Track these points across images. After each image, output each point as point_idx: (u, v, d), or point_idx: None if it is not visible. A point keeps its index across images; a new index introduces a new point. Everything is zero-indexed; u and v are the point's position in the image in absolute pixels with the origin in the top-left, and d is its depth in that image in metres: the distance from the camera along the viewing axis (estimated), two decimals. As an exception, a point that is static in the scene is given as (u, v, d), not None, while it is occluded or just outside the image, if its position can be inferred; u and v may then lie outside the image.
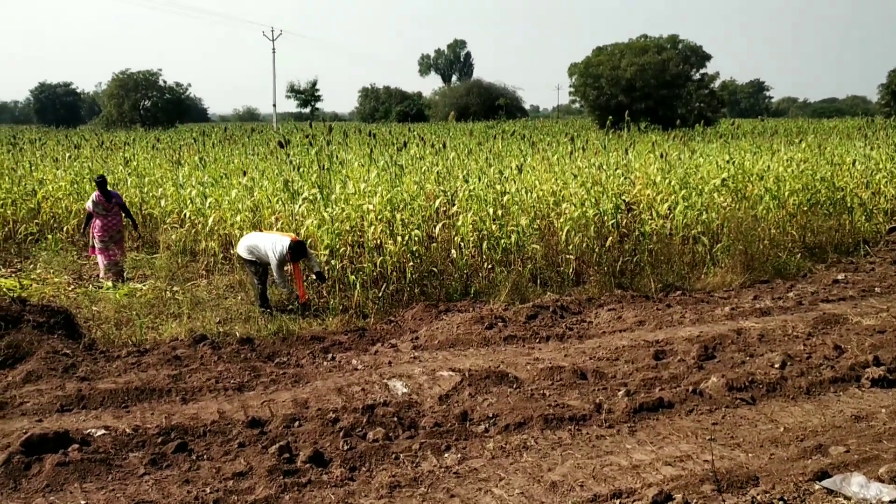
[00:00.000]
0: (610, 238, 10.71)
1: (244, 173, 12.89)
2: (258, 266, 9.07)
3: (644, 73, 46.74)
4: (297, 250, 8.89)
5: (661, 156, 13.64)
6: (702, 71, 50.48)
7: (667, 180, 12.28)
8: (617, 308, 8.87)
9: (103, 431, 5.17)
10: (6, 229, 13.66)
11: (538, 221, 10.98)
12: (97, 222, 10.91)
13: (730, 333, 7.61)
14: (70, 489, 4.39)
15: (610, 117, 20.89)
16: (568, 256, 10.57)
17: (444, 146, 17.58)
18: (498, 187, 11.19)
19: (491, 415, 5.53)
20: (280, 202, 11.30)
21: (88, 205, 10.99)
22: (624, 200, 11.32)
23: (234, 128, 47.78)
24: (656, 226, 11.06)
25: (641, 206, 11.70)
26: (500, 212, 10.60)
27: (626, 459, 4.83)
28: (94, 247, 11.12)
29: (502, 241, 10.17)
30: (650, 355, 6.92)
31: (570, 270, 10.51)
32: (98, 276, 10.99)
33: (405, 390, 6.13)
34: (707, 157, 15.21)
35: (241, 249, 9.09)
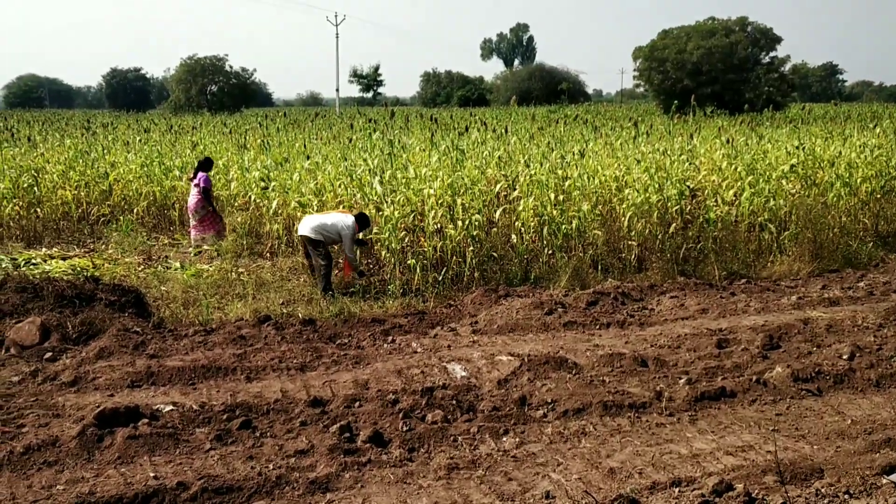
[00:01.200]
0: (673, 224, 10.55)
1: (307, 157, 13.06)
2: (324, 247, 9.22)
3: (711, 57, 45.65)
4: (364, 222, 9.29)
5: (728, 141, 13.36)
6: (772, 54, 49.01)
7: (733, 166, 12.03)
8: (679, 295, 8.75)
9: (171, 407, 5.33)
10: (80, 211, 14.12)
11: (600, 207, 10.88)
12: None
13: (796, 323, 7.44)
14: (140, 461, 4.54)
15: (675, 102, 20.57)
16: (630, 243, 10.46)
17: (506, 131, 17.52)
18: (560, 172, 11.12)
19: (549, 400, 5.53)
20: (343, 186, 11.43)
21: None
22: (688, 186, 11.13)
23: (298, 112, 48.44)
24: (721, 212, 10.85)
25: (706, 192, 11.49)
26: (561, 197, 10.53)
27: (686, 448, 4.78)
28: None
29: (563, 226, 10.11)
30: (713, 344, 6.82)
31: (632, 257, 10.41)
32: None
33: (464, 374, 6.17)
34: (775, 142, 14.84)
35: (307, 230, 9.21)
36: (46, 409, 5.37)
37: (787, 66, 50.10)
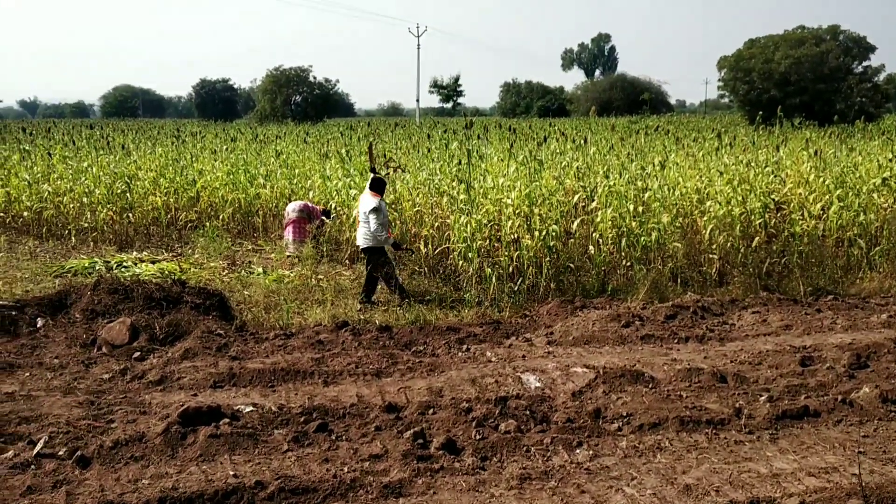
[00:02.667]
0: (757, 238, 10.29)
1: (387, 166, 13.23)
2: (382, 251, 9.52)
3: (800, 67, 44.31)
4: (377, 185, 9.66)
5: (815, 153, 12.95)
6: (864, 63, 47.20)
7: (821, 179, 11.67)
8: (762, 311, 8.52)
9: (251, 408, 5.48)
10: (169, 216, 14.64)
11: (680, 219, 10.70)
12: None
13: (886, 342, 7.15)
14: (220, 460, 4.69)
15: (761, 112, 20.04)
16: (711, 256, 10.25)
17: (585, 141, 17.40)
18: (639, 184, 10.98)
19: (624, 413, 5.46)
20: (421, 195, 11.55)
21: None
22: (773, 199, 10.84)
23: (379, 122, 49.07)
24: (808, 226, 10.53)
25: (792, 205, 11.17)
26: (640, 208, 10.40)
27: (766, 467, 4.66)
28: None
29: (642, 238, 9.98)
30: (796, 361, 6.62)
31: (713, 270, 10.19)
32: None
33: (538, 384, 6.15)
34: (867, 154, 14.31)
35: (359, 241, 9.66)
36: (134, 406, 5.59)
37: (882, 76, 48.23)
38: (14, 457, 4.68)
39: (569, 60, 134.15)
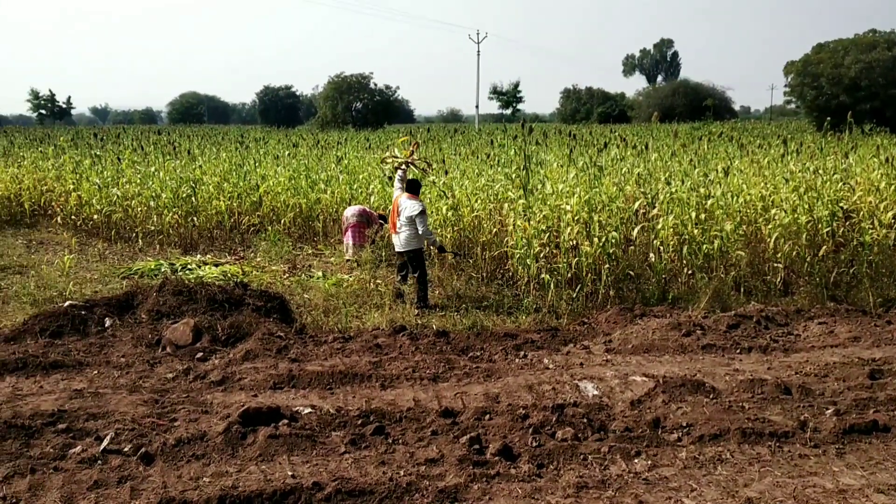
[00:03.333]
0: (824, 247, 10.01)
1: (445, 172, 13.28)
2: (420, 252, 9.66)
3: (871, 72, 43.05)
4: (413, 184, 9.85)
5: (887, 160, 12.56)
6: (939, 68, 45.68)
7: (892, 187, 11.30)
8: (828, 322, 8.28)
9: (310, 410, 5.55)
10: (232, 220, 14.93)
11: (744, 227, 10.49)
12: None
13: (961, 356, 6.89)
14: (279, 460, 4.75)
15: (829, 119, 19.51)
16: (775, 265, 10.02)
17: (646, 147, 17.19)
18: (702, 190, 10.79)
19: (684, 424, 5.37)
20: (479, 200, 11.55)
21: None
22: (841, 207, 10.54)
23: (438, 128, 49.27)
24: (878, 235, 10.20)
25: (861, 214, 10.84)
26: (703, 216, 10.22)
27: (832, 482, 4.52)
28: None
29: (704, 246, 9.81)
30: (864, 374, 6.41)
31: (778, 280, 9.95)
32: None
33: (596, 392, 6.09)
34: (942, 162, 13.81)
35: (400, 245, 9.79)
36: (196, 405, 5.71)
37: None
38: (82, 452, 4.82)
39: (630, 66, 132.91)
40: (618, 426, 5.34)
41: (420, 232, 9.41)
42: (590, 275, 9.56)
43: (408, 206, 9.52)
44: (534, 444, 5.00)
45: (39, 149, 23.26)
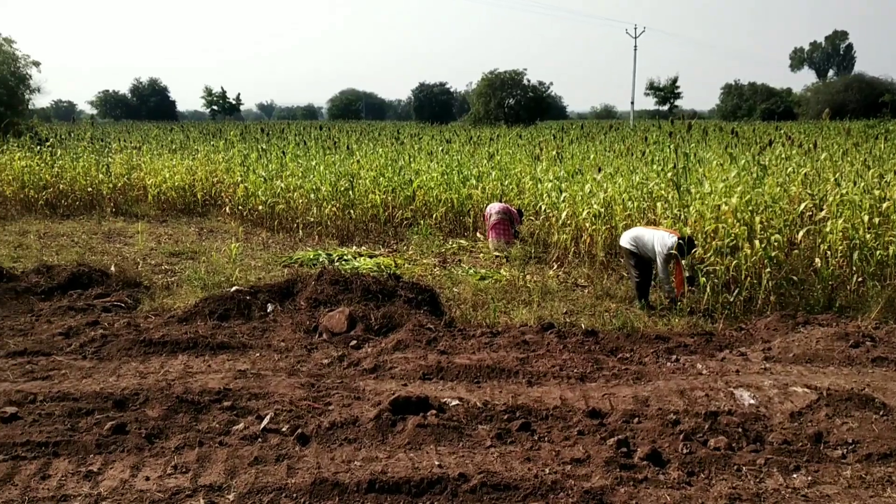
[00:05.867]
0: None
1: (599, 169, 13.09)
2: (639, 259, 9.18)
3: None
4: (685, 246, 8.85)
5: None
6: None
7: None
8: None
9: (457, 402, 5.63)
10: (386, 214, 15.35)
11: (925, 233, 9.70)
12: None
13: None
14: (426, 449, 4.85)
15: None
16: (960, 275, 9.20)
17: (815, 146, 16.23)
18: (876, 192, 10.07)
19: (850, 440, 5.04)
20: (632, 199, 11.30)
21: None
22: None
23: (591, 125, 48.61)
24: None
25: None
26: (876, 220, 9.53)
27: None
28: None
29: (878, 252, 9.15)
30: None
31: (963, 291, 9.14)
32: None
33: (752, 402, 5.82)
34: None
35: (625, 241, 9.33)
36: (349, 391, 5.92)
37: None
38: (244, 429, 5.12)
39: (798, 60, 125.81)
40: (775, 438, 5.09)
41: (658, 269, 9.09)
42: (749, 278, 9.14)
43: (669, 241, 8.94)
44: (684, 450, 4.86)
45: (211, 142, 24.84)
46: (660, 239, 8.96)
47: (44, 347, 6.99)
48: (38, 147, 20.94)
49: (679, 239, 8.83)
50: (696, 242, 9.11)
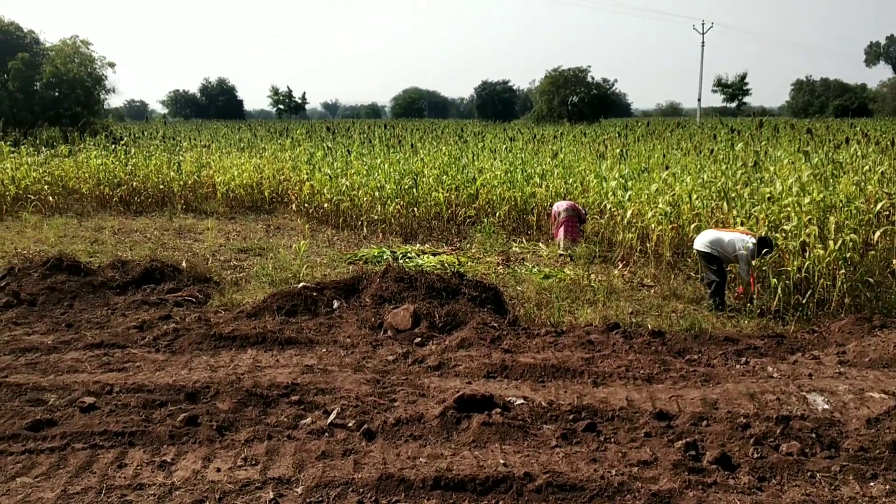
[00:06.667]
0: None
1: (666, 167, 12.89)
2: (717, 263, 9.00)
3: None
4: (765, 244, 8.78)
5: None
6: None
7: None
8: None
9: (522, 401, 5.61)
10: (449, 212, 15.39)
11: None
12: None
13: None
14: (491, 448, 4.85)
15: None
16: None
17: (892, 144, 15.69)
18: (958, 191, 9.70)
19: (931, 449, 4.86)
20: (700, 198, 11.10)
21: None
22: None
23: (657, 122, 47.89)
24: None
25: None
26: (960, 221, 9.18)
27: None
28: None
29: (959, 253, 8.81)
30: None
31: None
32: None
33: (826, 406, 5.66)
34: None
35: (702, 245, 9.11)
36: (414, 388, 5.96)
37: None
38: (311, 423, 5.20)
39: (874, 55, 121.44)
40: (851, 445, 4.94)
41: (741, 268, 8.90)
42: (822, 280, 8.88)
43: (747, 242, 8.84)
44: (755, 455, 4.75)
45: (278, 141, 25.27)
46: (740, 241, 8.80)
47: (119, 340, 7.22)
48: (113, 146, 21.66)
49: (758, 239, 8.74)
50: (775, 242, 8.96)
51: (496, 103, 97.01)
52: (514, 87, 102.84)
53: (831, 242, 8.81)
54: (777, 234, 9.39)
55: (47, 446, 4.83)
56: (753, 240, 8.73)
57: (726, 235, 8.94)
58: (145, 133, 30.97)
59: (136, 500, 4.19)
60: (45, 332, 7.55)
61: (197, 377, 6.11)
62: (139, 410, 5.40)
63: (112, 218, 16.48)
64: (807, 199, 9.36)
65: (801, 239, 9.02)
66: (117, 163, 19.33)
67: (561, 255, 11.90)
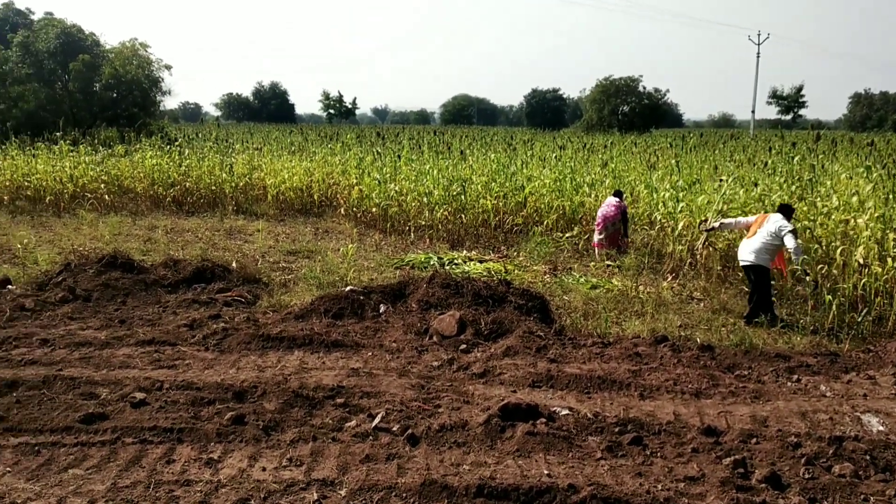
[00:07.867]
0: None
1: (721, 181, 12.69)
2: (766, 273, 8.83)
3: None
4: (790, 211, 9.03)
5: None
6: None
7: None
8: None
9: (567, 411, 5.56)
10: (497, 219, 15.35)
11: None
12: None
13: None
14: (535, 457, 4.81)
15: None
16: None
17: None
18: None
19: None
20: (752, 211, 10.90)
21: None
22: None
23: (709, 133, 47.23)
24: None
25: None
26: None
27: None
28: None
29: None
30: None
31: None
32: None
33: (881, 428, 5.50)
34: None
35: (748, 255, 8.93)
36: (459, 394, 5.95)
37: None
38: (356, 426, 5.22)
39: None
40: (908, 469, 4.79)
41: (791, 248, 8.65)
42: (880, 298, 8.65)
43: (779, 220, 8.84)
44: (806, 475, 4.64)
45: (328, 145, 25.49)
46: (774, 224, 8.75)
47: (170, 338, 7.34)
48: (168, 147, 22.07)
49: (779, 209, 8.99)
50: (792, 207, 9.21)
51: (546, 111, 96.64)
52: (564, 96, 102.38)
53: (890, 260, 8.58)
54: (830, 251, 9.18)
55: (99, 439, 4.93)
56: (780, 215, 8.87)
57: (762, 229, 8.87)
58: (199, 135, 31.50)
59: (184, 495, 4.25)
60: (99, 328, 7.71)
61: (245, 377, 6.18)
62: (188, 407, 5.49)
63: (165, 217, 16.80)
64: (866, 215, 9.13)
65: (857, 256, 8.80)
66: (171, 163, 19.71)
67: (608, 265, 11.79)
